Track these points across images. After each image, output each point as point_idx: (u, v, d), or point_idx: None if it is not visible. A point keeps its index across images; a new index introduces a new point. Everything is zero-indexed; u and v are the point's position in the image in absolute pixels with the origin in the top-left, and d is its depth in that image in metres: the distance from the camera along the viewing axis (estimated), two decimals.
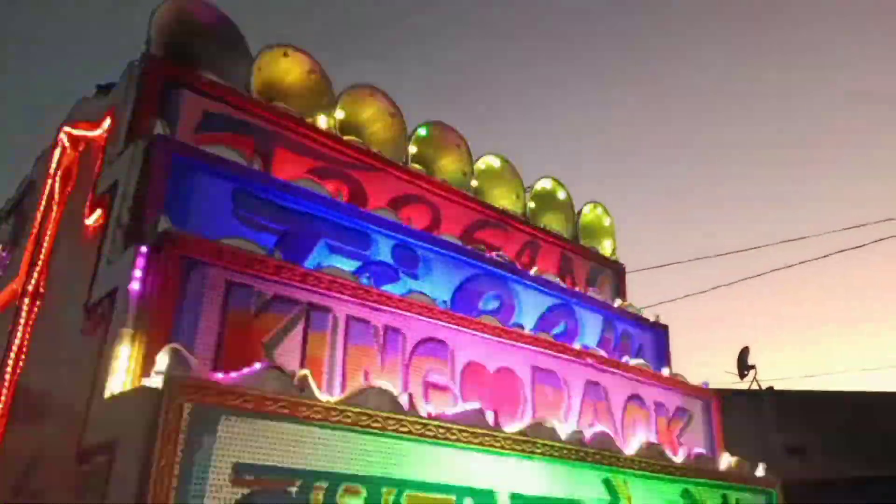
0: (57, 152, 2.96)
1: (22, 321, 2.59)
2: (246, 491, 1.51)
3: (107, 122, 2.46)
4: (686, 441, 3.05)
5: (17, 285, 2.84)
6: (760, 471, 3.03)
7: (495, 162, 3.72)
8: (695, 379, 3.48)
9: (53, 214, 2.79)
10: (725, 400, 3.71)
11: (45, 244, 2.71)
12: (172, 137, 2.16)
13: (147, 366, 1.63)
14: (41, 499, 1.81)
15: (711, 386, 3.60)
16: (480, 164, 3.64)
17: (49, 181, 2.97)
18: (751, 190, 17.32)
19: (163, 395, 1.44)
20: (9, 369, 2.50)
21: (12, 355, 2.53)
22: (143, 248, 1.79)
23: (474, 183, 3.53)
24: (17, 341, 2.56)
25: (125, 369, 1.64)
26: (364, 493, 1.72)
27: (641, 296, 4.56)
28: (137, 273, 1.75)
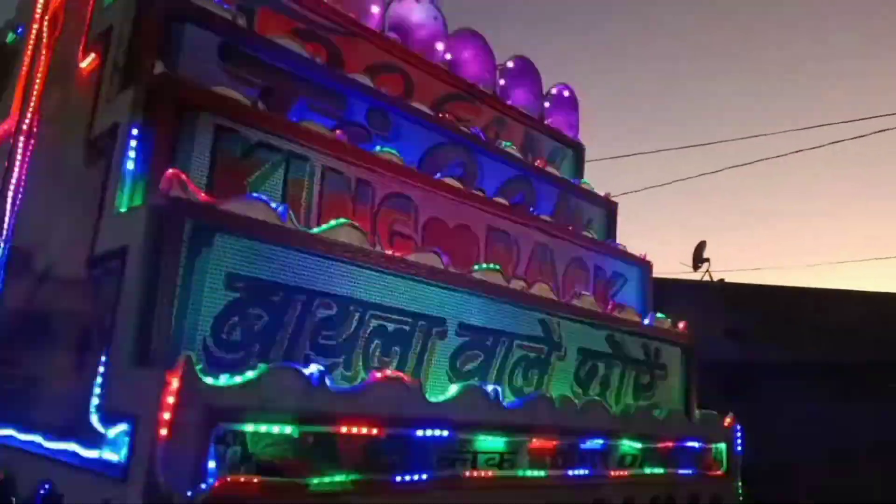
0: None
1: (18, 158, 2.79)
2: (236, 295, 1.82)
3: None
4: (619, 300, 3.48)
5: (9, 125, 3.01)
6: (681, 326, 3.49)
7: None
8: None
9: (42, 58, 2.92)
10: (675, 289, 4.12)
11: (37, 86, 2.86)
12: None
13: (149, 192, 1.90)
14: (54, 305, 2.13)
15: (664, 276, 4.02)
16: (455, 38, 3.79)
17: (34, 26, 3.06)
18: (715, 86, 17.41)
19: (169, 212, 1.72)
20: (9, 201, 2.74)
21: (11, 188, 2.76)
22: (140, 89, 1.99)
23: (448, 56, 3.70)
24: (14, 177, 2.78)
25: (129, 194, 1.90)
26: (335, 308, 2.05)
27: (604, 184, 4.86)
28: (135, 111, 1.97)
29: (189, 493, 1.42)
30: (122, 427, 1.53)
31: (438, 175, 2.96)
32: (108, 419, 1.60)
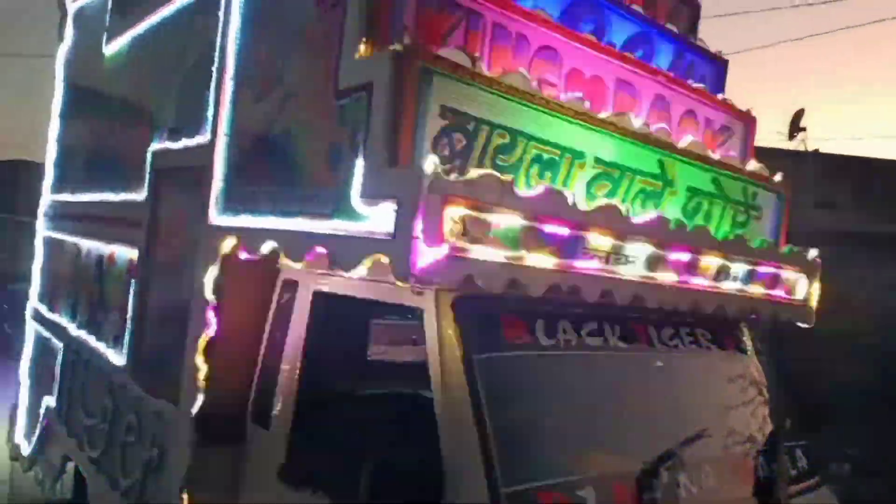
0: None
1: (234, 7, 3.40)
2: (445, 123, 2.45)
3: None
4: (724, 149, 3.96)
5: None
6: (778, 177, 3.97)
7: None
8: None
9: None
10: (767, 157, 4.43)
11: None
12: None
13: (379, 40, 2.49)
14: (300, 126, 2.83)
15: (758, 144, 4.38)
16: None
17: None
18: None
19: (405, 56, 2.32)
20: (230, 44, 3.40)
21: (231, 32, 3.40)
22: None
23: None
24: (232, 23, 3.41)
25: (364, 41, 2.51)
26: (508, 138, 2.67)
27: (713, 40, 5.07)
28: None
29: (432, 247, 2.15)
30: (387, 206, 2.24)
31: (576, 29, 3.41)
32: (372, 203, 2.33)
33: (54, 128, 6.47)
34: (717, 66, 4.55)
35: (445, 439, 2.29)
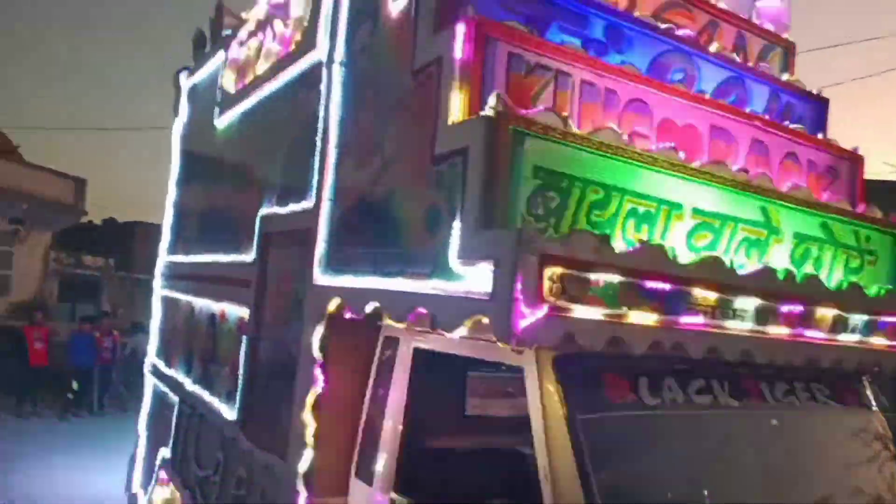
0: None
1: (335, 81, 3.65)
2: (538, 182, 2.50)
3: None
4: (831, 192, 3.78)
5: (318, 55, 3.88)
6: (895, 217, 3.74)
7: None
8: None
9: (343, 3, 3.71)
10: (874, 190, 4.18)
11: (343, 24, 3.66)
12: None
13: (471, 107, 2.60)
14: (400, 190, 2.97)
15: (869, 177, 4.16)
16: None
17: None
18: None
19: (498, 121, 2.41)
20: (333, 115, 3.63)
21: (333, 104, 3.63)
22: (458, 29, 2.66)
23: None
24: (333, 96, 3.64)
25: (458, 108, 2.62)
26: (601, 193, 2.68)
27: (810, 75, 4.92)
28: (457, 45, 2.65)
29: (532, 307, 2.17)
30: (484, 266, 2.30)
31: (665, 79, 3.41)
32: (469, 263, 2.39)
33: (170, 194, 7.04)
34: (817, 105, 4.38)
35: (550, 500, 2.26)
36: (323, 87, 3.74)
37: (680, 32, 3.77)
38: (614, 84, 3.09)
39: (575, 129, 2.67)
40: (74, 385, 12.60)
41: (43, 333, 12.08)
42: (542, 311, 2.19)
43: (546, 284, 2.21)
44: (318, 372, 3.33)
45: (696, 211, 2.98)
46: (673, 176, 2.91)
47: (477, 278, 2.36)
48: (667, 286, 2.49)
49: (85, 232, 21.90)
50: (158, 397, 6.42)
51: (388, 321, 3.04)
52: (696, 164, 3.04)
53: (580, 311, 2.28)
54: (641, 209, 2.80)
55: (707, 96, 3.56)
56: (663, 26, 3.68)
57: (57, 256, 20.42)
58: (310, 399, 3.31)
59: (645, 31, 3.55)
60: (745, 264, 3.07)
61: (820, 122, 4.32)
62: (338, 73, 3.62)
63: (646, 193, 2.82)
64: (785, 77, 4.30)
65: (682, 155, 2.99)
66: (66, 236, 20.71)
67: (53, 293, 20.41)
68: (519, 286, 2.16)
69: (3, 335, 13.08)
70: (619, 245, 2.50)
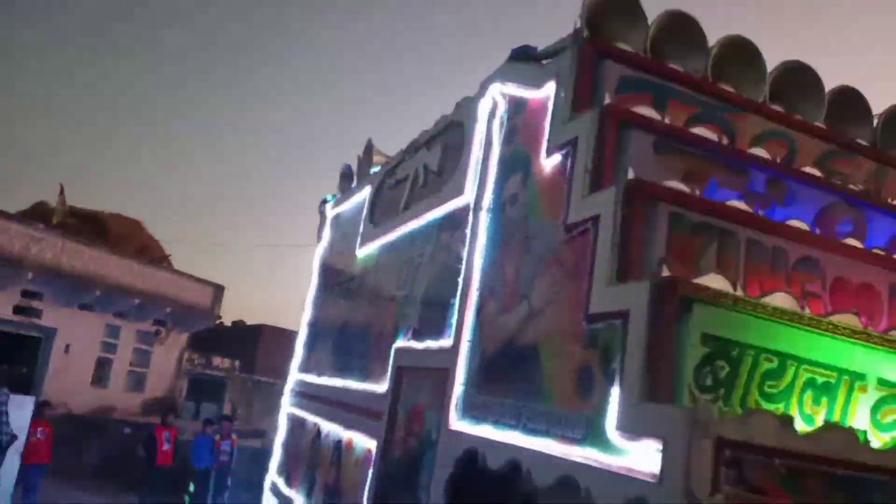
0: (485, 102, 4.01)
1: (480, 227, 3.73)
2: (706, 351, 2.34)
3: (550, 86, 3.36)
4: None
5: (465, 200, 4.01)
6: None
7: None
8: None
9: (493, 151, 3.86)
10: None
11: (492, 173, 3.79)
12: (616, 105, 2.97)
13: (631, 267, 2.53)
14: (546, 345, 2.89)
15: None
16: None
17: (477, 124, 4.05)
18: None
19: (664, 286, 2.31)
20: (476, 259, 3.68)
21: (476, 249, 3.69)
22: (618, 190, 2.64)
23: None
24: (478, 241, 3.71)
25: (615, 268, 2.55)
26: (776, 362, 2.46)
27: None
28: (614, 208, 2.63)
29: (705, 498, 1.95)
30: (649, 443, 2.12)
31: (834, 233, 3.19)
32: (631, 438, 2.22)
33: (306, 313, 7.36)
34: None
35: None
36: (468, 230, 3.83)
37: (849, 184, 3.58)
38: (782, 242, 2.93)
39: (744, 295, 2.51)
40: (191, 487, 12.93)
41: (172, 435, 12.64)
42: (717, 502, 1.97)
43: (722, 471, 2.00)
44: None
45: (882, 381, 2.66)
46: (854, 344, 2.63)
47: (640, 455, 2.18)
48: (858, 474, 2.19)
49: (214, 333, 23.25)
50: None
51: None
52: (880, 331, 2.75)
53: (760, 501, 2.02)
54: (820, 379, 2.54)
55: (883, 252, 3.28)
56: (828, 178, 3.50)
57: (190, 357, 21.76)
58: None
59: (810, 183, 3.39)
60: None
61: None
62: (484, 218, 3.70)
63: (825, 362, 2.56)
64: None
65: (862, 319, 2.71)
66: (198, 337, 22.10)
67: (182, 391, 21.61)
68: (690, 472, 1.97)
69: (137, 433, 13.79)
70: (798, 423, 2.25)
